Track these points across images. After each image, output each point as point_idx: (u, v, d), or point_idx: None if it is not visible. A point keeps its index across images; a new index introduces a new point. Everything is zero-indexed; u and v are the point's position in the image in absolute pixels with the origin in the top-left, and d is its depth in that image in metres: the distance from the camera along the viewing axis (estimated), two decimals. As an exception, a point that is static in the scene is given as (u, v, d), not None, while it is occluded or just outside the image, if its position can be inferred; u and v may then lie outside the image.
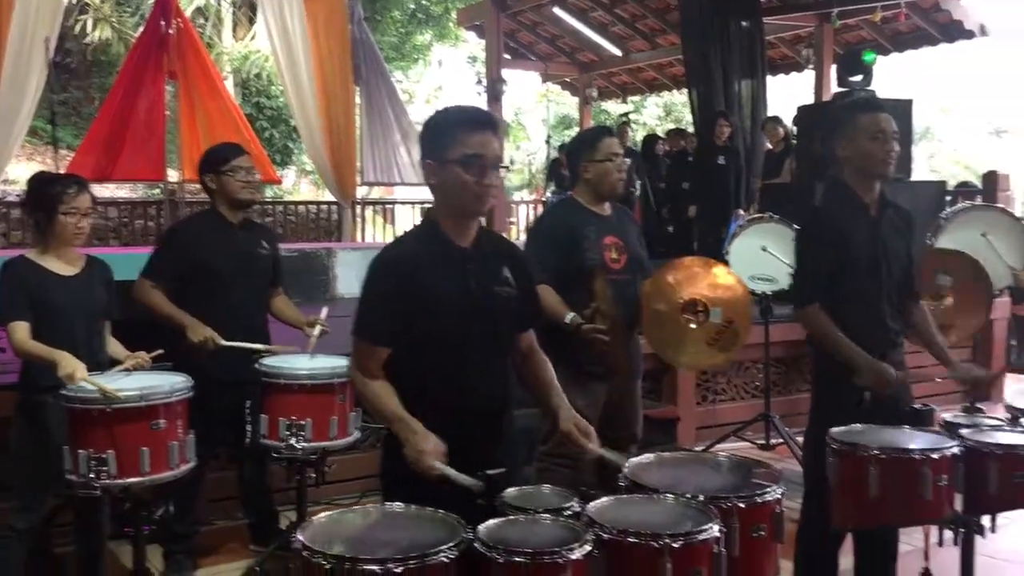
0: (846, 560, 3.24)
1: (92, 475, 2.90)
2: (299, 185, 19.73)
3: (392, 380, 2.35)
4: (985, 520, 2.85)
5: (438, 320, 2.27)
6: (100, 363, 3.29)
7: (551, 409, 2.46)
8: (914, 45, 12.12)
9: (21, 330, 3.16)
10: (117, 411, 2.93)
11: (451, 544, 1.79)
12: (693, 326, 3.59)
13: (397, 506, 2.03)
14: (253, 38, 16.83)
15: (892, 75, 13.04)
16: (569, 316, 3.31)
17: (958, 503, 2.69)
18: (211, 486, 4.24)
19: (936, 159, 28.26)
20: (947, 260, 4.29)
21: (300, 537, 1.82)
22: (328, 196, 13.00)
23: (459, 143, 2.24)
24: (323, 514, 1.98)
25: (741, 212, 8.69)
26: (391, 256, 2.36)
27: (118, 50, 15.61)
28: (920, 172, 23.96)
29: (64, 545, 3.88)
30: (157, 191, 13.59)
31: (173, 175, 11.28)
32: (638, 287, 3.65)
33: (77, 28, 15.25)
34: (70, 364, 3.03)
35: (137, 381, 3.10)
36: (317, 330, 3.78)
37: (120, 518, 3.62)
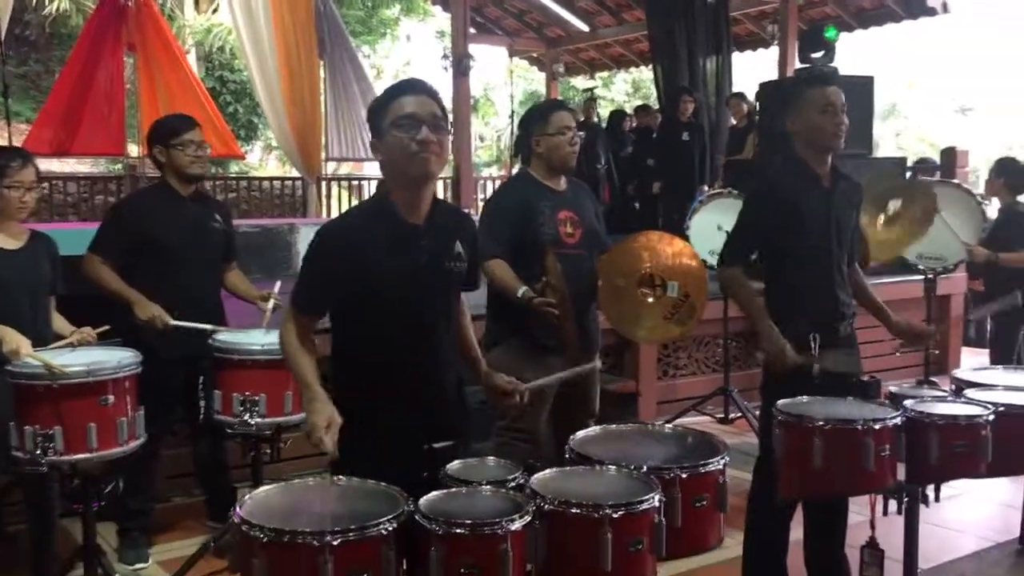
0: (796, 532, 3.28)
1: (39, 452, 2.87)
2: (266, 161, 19.53)
3: (341, 352, 2.35)
4: (929, 490, 2.90)
5: (384, 295, 2.26)
6: (45, 339, 3.24)
7: (474, 367, 2.52)
8: (878, 22, 12.20)
9: None
10: (64, 387, 2.90)
11: (391, 516, 1.79)
12: (650, 300, 3.60)
13: (340, 479, 2.02)
14: (216, 11, 16.54)
15: (857, 52, 13.11)
16: (521, 290, 3.31)
17: (901, 473, 2.74)
18: (167, 463, 4.22)
19: (903, 136, 28.51)
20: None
21: (238, 511, 1.81)
22: (294, 172, 12.89)
23: (392, 110, 2.23)
24: (262, 488, 1.97)
25: (705, 188, 8.72)
26: (333, 229, 2.35)
27: (77, 22, 15.29)
28: (887, 149, 24.18)
29: (16, 523, 3.87)
30: (119, 166, 13.41)
31: (134, 150, 11.12)
32: (593, 262, 3.65)
33: (35, 0, 14.92)
34: (13, 339, 2.98)
35: (84, 357, 3.07)
36: (271, 304, 3.76)
37: (71, 496, 3.60)
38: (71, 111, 10.07)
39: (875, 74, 7.79)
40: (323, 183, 12.53)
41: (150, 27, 10.50)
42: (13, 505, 3.79)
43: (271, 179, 13.78)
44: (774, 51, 12.32)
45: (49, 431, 2.87)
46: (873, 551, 3.03)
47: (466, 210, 6.52)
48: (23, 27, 15.71)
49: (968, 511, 4.45)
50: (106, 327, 3.31)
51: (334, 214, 12.98)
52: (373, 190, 13.81)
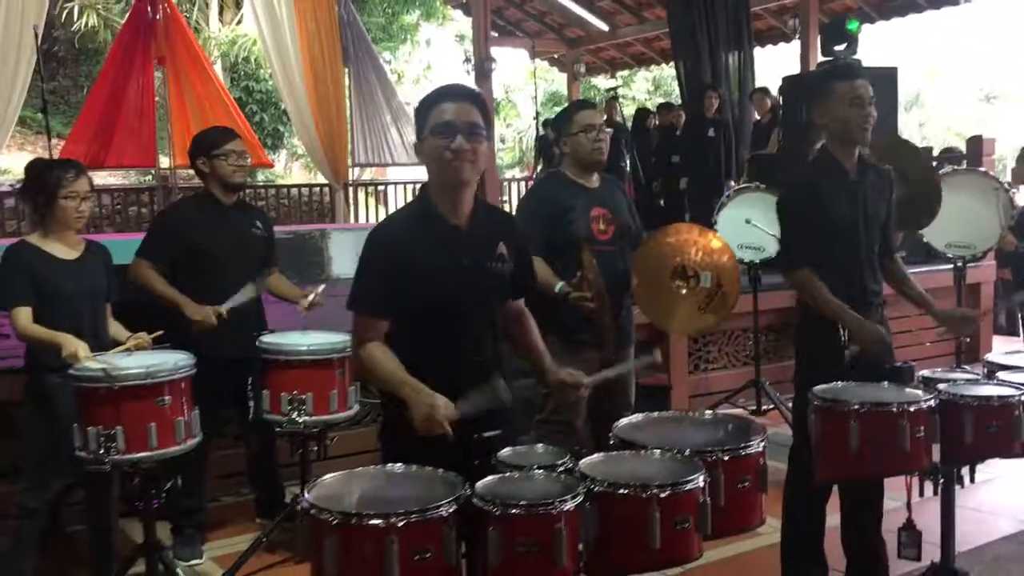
0: (833, 519, 3.35)
1: (102, 451, 3.00)
2: (291, 168, 19.73)
3: (390, 347, 2.45)
4: (964, 472, 2.97)
5: (429, 294, 2.35)
6: (104, 345, 3.36)
7: (538, 366, 2.59)
8: (900, 12, 12.17)
9: (24, 315, 3.24)
10: (124, 388, 3.03)
11: (451, 499, 1.89)
12: (684, 292, 3.68)
13: (398, 467, 2.13)
14: (240, 22, 16.79)
15: (879, 43, 13.10)
16: (559, 285, 3.41)
17: (936, 455, 2.80)
18: (215, 463, 4.35)
19: (927, 127, 28.30)
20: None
21: (307, 496, 1.92)
22: (320, 179, 13.04)
23: (433, 116, 2.33)
24: (328, 476, 2.07)
25: (732, 183, 8.77)
26: (381, 231, 2.46)
27: (105, 37, 15.57)
28: (912, 139, 24.00)
29: (75, 524, 4.01)
30: (149, 177, 13.63)
31: (164, 161, 11.32)
32: (627, 257, 3.74)
33: (64, 16, 15.20)
34: (72, 344, 3.12)
35: (141, 360, 3.19)
36: (310, 298, 3.88)
37: (128, 496, 3.74)
38: (103, 125, 10.28)
39: (898, 65, 7.81)
40: (350, 189, 12.68)
41: (178, 40, 10.69)
42: (72, 506, 3.93)
43: (299, 186, 13.95)
44: (796, 45, 12.30)
45: (111, 431, 3.00)
46: (910, 532, 3.10)
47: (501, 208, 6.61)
48: (51, 43, 15.99)
49: (1003, 494, 4.49)
50: (160, 332, 3.43)
51: (362, 220, 13.15)
52: (398, 195, 14.01)
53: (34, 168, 3.49)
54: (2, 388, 3.79)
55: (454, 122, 2.30)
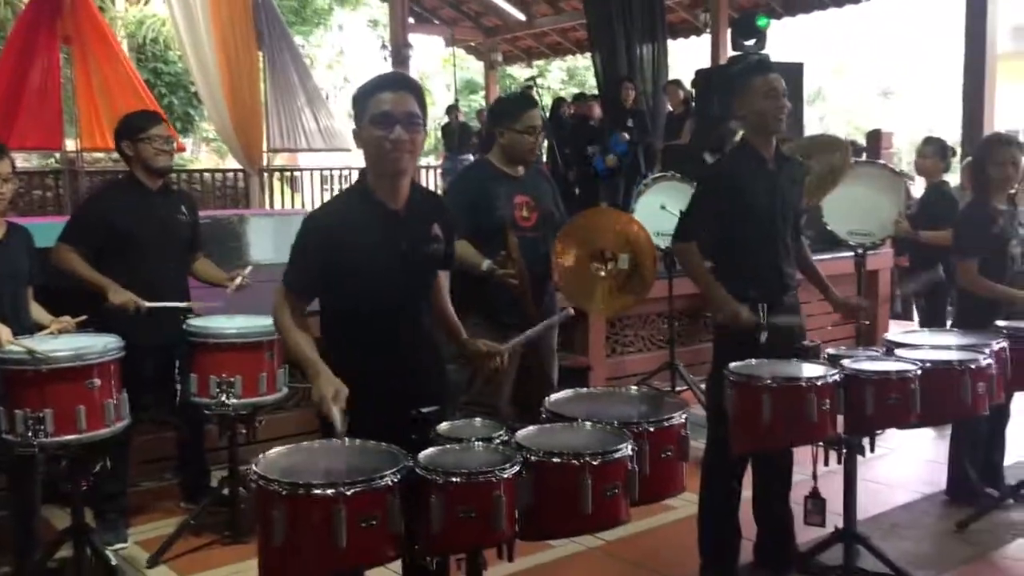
0: (747, 491, 3.54)
1: (30, 434, 2.98)
2: (199, 153, 19.33)
3: (330, 330, 2.52)
4: (865, 443, 3.19)
5: (367, 277, 2.43)
6: (26, 328, 3.32)
7: (454, 334, 2.71)
8: (806, 9, 12.64)
9: None
10: (52, 371, 3.01)
11: (395, 468, 1.98)
12: (603, 273, 3.82)
13: (343, 440, 2.19)
14: (147, 2, 16.34)
15: (785, 39, 13.54)
16: (485, 264, 3.52)
17: (840, 426, 3.01)
18: (136, 449, 4.31)
19: (828, 120, 29.32)
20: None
21: (256, 468, 1.98)
22: (231, 163, 12.85)
23: (372, 105, 2.39)
24: (274, 450, 2.13)
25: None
26: (320, 214, 2.53)
27: (4, 15, 14.97)
28: (813, 132, 24.84)
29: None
30: (52, 160, 13.20)
31: (70, 144, 10.98)
32: (550, 243, 3.86)
33: (-41, -9, 14.56)
34: None
35: (70, 342, 3.18)
36: (237, 280, 3.90)
37: (58, 477, 3.69)
38: (6, 106, 9.95)
39: (803, 60, 8.14)
40: (264, 175, 12.53)
41: (85, 19, 10.40)
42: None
43: (212, 171, 13.73)
44: (706, 39, 12.68)
45: (40, 414, 2.98)
46: (816, 500, 3.31)
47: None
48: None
49: (899, 467, 4.79)
50: (84, 317, 3.41)
51: (277, 206, 13.00)
52: (313, 181, 13.89)
53: None
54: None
55: (393, 112, 2.36)
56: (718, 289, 3.29)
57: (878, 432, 3.15)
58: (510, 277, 3.45)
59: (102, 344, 3.18)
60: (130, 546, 3.88)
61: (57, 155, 11.71)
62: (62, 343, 3.16)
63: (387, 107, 2.37)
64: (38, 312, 3.47)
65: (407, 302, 2.50)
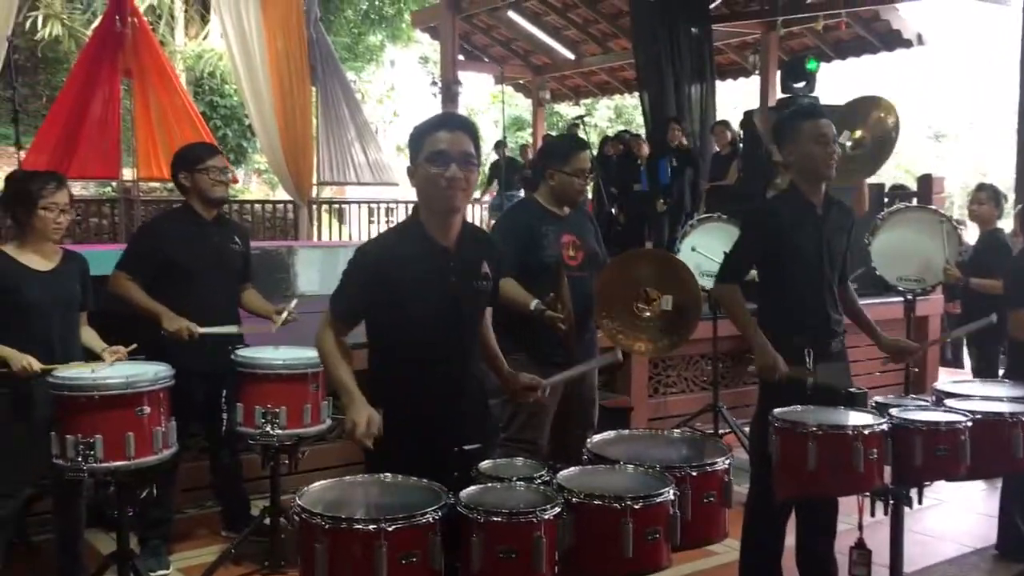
0: (790, 538, 3.48)
1: (80, 459, 3.04)
2: (250, 184, 19.68)
3: (377, 365, 2.55)
4: (912, 493, 3.12)
5: (416, 313, 2.46)
6: (73, 355, 3.40)
7: (498, 369, 2.73)
8: (855, 53, 12.61)
9: None
10: (104, 398, 3.08)
11: (437, 506, 1.99)
12: (647, 314, 3.80)
13: (386, 476, 2.21)
14: (206, 37, 16.79)
15: (835, 81, 13.49)
16: (533, 303, 3.53)
17: (888, 476, 2.96)
18: (180, 475, 4.37)
19: (877, 162, 29.04)
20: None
21: (299, 502, 2.00)
22: (281, 195, 13.05)
23: (428, 144, 2.44)
24: (317, 484, 2.15)
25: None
26: (370, 249, 2.56)
27: (68, 47, 15.47)
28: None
29: (41, 534, 4.01)
30: (108, 189, 13.53)
31: (127, 173, 11.26)
32: (593, 283, 3.87)
33: (27, 24, 15.07)
34: (19, 359, 3.17)
35: (121, 370, 3.25)
36: (283, 315, 3.95)
37: (99, 506, 3.75)
38: (68, 135, 10.20)
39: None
40: (312, 207, 12.71)
41: (146, 53, 10.66)
42: (37, 515, 3.94)
43: (262, 202, 13.95)
44: (755, 80, 12.68)
45: (90, 439, 3.05)
46: (861, 551, 3.24)
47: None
48: (11, 50, 15.82)
49: (948, 520, 4.68)
50: (135, 346, 3.48)
51: (324, 238, 13.17)
52: (361, 214, 14.06)
53: (15, 179, 3.53)
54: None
55: (449, 151, 2.40)
56: (759, 336, 3.26)
57: (926, 483, 3.09)
58: (557, 320, 3.45)
59: (153, 372, 3.25)
60: (171, 573, 3.92)
61: (114, 184, 11.99)
62: (115, 370, 3.24)
63: (443, 146, 2.41)
64: (90, 338, 3.54)
65: (454, 338, 2.52)
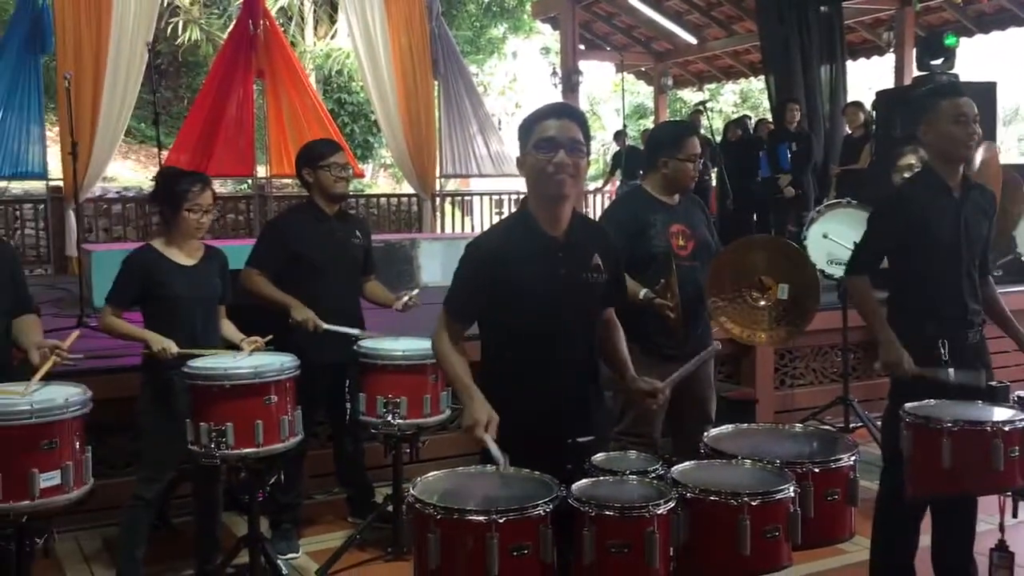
0: (924, 538, 3.32)
1: (213, 445, 3.19)
2: (377, 178, 20.18)
3: (489, 356, 2.55)
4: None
5: (527, 304, 2.45)
6: (214, 346, 3.57)
7: (621, 373, 2.68)
8: (1000, 26, 11.87)
9: (109, 313, 3.51)
10: (235, 387, 3.22)
11: (548, 499, 1.98)
12: (762, 303, 3.69)
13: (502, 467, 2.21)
14: (334, 36, 17.29)
15: (977, 57, 12.77)
16: (643, 292, 3.47)
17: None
18: (309, 462, 4.52)
19: (1027, 141, 27.37)
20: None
21: (412, 491, 2.03)
22: (407, 189, 13.32)
23: (536, 132, 2.43)
24: (431, 474, 2.18)
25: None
26: (481, 243, 2.56)
27: (206, 51, 16.23)
28: (1010, 155, 23.26)
29: (180, 516, 4.23)
30: (244, 186, 14.12)
31: (261, 170, 11.73)
32: (705, 272, 3.77)
33: (168, 30, 15.88)
34: (159, 341, 3.36)
35: (250, 360, 3.38)
36: (405, 299, 4.06)
37: (233, 491, 3.92)
38: (206, 135, 10.73)
39: (997, 79, 7.64)
40: (436, 199, 12.93)
41: (277, 54, 11.09)
42: (178, 499, 4.15)
43: (387, 196, 14.26)
44: (889, 58, 12.12)
45: (222, 427, 3.19)
46: (1003, 554, 3.06)
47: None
48: (154, 56, 16.70)
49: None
50: (271, 336, 3.62)
51: (448, 230, 13.37)
52: (483, 206, 14.21)
53: (163, 177, 3.72)
54: (122, 385, 4.02)
55: (557, 137, 2.39)
56: (886, 330, 3.12)
57: (1075, 483, 2.88)
58: (667, 308, 3.39)
59: (279, 362, 3.36)
60: (300, 556, 4.07)
61: (249, 181, 12.51)
62: (244, 361, 3.37)
63: (552, 132, 2.40)
64: (229, 330, 3.70)
65: (565, 329, 2.50)
